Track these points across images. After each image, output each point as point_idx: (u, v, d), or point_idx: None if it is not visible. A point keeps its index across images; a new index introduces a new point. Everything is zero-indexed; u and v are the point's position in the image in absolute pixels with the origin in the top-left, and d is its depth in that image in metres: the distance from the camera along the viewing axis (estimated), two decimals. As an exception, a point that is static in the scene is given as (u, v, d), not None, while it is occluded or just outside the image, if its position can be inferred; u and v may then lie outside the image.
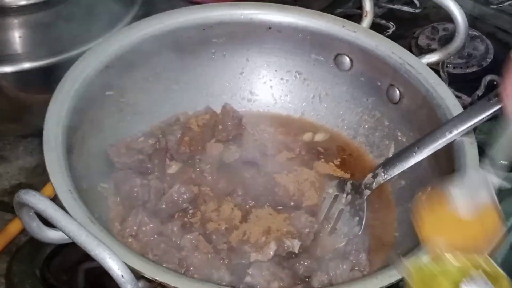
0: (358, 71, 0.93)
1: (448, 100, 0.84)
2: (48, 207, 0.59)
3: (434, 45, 1.16)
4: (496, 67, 1.11)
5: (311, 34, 0.93)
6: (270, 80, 0.98)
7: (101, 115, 0.84)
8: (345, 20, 0.93)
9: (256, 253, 0.75)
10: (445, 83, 0.91)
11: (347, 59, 0.93)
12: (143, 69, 0.90)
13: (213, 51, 0.94)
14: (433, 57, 0.92)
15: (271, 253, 0.75)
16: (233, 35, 0.94)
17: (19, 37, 0.90)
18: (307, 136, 0.96)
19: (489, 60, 1.15)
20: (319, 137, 0.96)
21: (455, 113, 0.82)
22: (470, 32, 1.17)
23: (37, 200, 0.60)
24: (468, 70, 1.13)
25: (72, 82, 0.79)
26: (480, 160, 0.77)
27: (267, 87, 0.98)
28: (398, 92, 0.89)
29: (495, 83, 1.06)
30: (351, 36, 0.91)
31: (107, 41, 0.85)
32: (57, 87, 0.77)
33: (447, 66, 1.09)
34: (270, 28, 0.94)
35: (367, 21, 0.95)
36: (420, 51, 1.12)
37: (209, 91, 0.96)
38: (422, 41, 1.18)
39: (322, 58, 0.95)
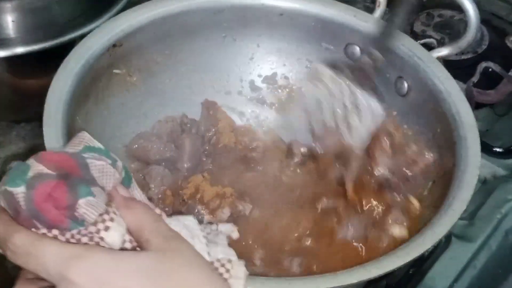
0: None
1: (454, 94, 0.83)
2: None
3: (429, 32, 1.14)
4: (491, 54, 1.11)
5: (323, 22, 0.92)
6: (280, 67, 0.98)
7: (107, 93, 0.85)
8: (357, 9, 0.92)
9: (210, 216, 0.76)
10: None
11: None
12: (152, 50, 0.90)
13: (223, 35, 0.94)
14: (443, 51, 0.91)
15: (225, 217, 0.77)
16: (244, 20, 0.93)
17: (12, 21, 0.90)
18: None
19: (484, 47, 1.13)
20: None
21: (460, 109, 0.81)
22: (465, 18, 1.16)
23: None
24: (463, 57, 1.12)
25: (78, 58, 0.78)
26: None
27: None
28: (406, 84, 0.88)
29: (490, 70, 1.04)
30: (362, 26, 0.91)
31: (116, 20, 0.85)
32: (62, 64, 0.77)
33: (442, 53, 1.07)
34: (281, 14, 0.93)
35: (379, 11, 0.94)
36: (415, 37, 1.11)
37: (217, 75, 0.96)
38: (417, 27, 1.16)
39: (332, 47, 0.94)
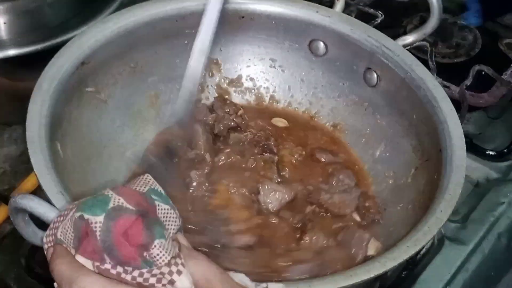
0: (333, 56, 0.93)
1: (428, 80, 0.84)
2: (49, 211, 0.57)
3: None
4: (485, 57, 1.12)
5: (285, 20, 0.92)
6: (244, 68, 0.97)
7: (78, 113, 0.81)
8: (319, 5, 0.92)
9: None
10: (434, 73, 0.92)
11: (321, 44, 0.93)
12: (117, 64, 0.87)
13: (186, 42, 0.92)
14: (408, 38, 0.92)
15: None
16: (206, 25, 0.92)
17: (4, 23, 0.89)
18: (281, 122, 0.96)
19: (477, 50, 1.15)
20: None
21: (436, 94, 0.82)
22: (458, 22, 1.18)
23: (36, 204, 0.57)
24: (456, 60, 1.13)
25: (50, 80, 0.76)
26: (468, 149, 0.78)
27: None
28: (375, 75, 0.89)
29: (483, 73, 1.06)
30: (325, 21, 0.91)
31: (82, 36, 0.82)
32: (35, 87, 0.74)
33: (435, 56, 1.06)
34: (243, 17, 0.92)
35: (339, 5, 0.95)
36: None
37: (185, 83, 0.95)
38: (411, 30, 1.15)
39: (296, 45, 0.94)
